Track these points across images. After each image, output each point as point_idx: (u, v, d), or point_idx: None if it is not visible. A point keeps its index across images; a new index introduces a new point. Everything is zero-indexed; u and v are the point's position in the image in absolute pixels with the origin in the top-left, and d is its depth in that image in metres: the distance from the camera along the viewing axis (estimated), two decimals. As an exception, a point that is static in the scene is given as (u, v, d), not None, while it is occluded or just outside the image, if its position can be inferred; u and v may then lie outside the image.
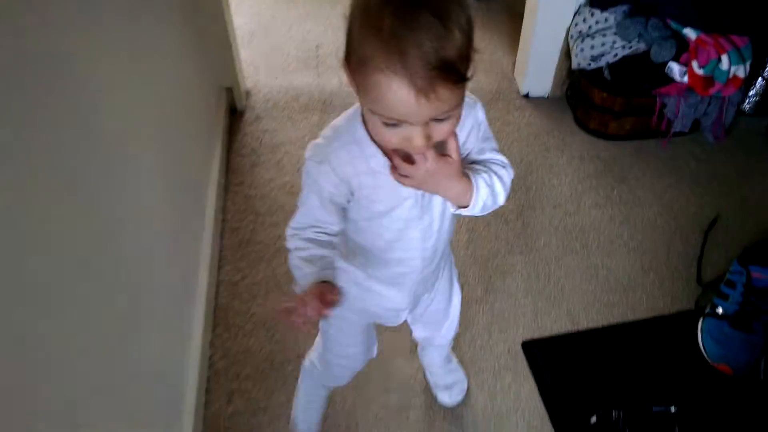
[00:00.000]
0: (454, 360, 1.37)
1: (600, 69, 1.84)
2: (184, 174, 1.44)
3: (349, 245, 0.94)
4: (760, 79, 1.91)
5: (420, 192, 0.83)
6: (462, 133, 0.83)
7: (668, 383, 1.33)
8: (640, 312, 1.48)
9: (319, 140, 0.82)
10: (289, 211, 0.88)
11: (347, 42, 0.70)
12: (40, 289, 0.72)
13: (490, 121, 0.87)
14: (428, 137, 0.71)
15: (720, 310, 1.40)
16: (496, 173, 0.84)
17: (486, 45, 2.30)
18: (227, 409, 1.31)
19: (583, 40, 1.83)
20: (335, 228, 0.87)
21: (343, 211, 0.87)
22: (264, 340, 1.42)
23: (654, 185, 1.78)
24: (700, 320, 1.42)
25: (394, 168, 0.77)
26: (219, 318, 1.46)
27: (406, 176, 0.77)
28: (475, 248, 1.60)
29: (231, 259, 1.57)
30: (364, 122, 0.77)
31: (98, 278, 0.89)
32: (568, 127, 1.97)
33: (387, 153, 0.79)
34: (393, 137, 0.72)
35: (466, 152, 0.85)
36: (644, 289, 1.52)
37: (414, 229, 0.88)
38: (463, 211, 0.83)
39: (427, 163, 0.74)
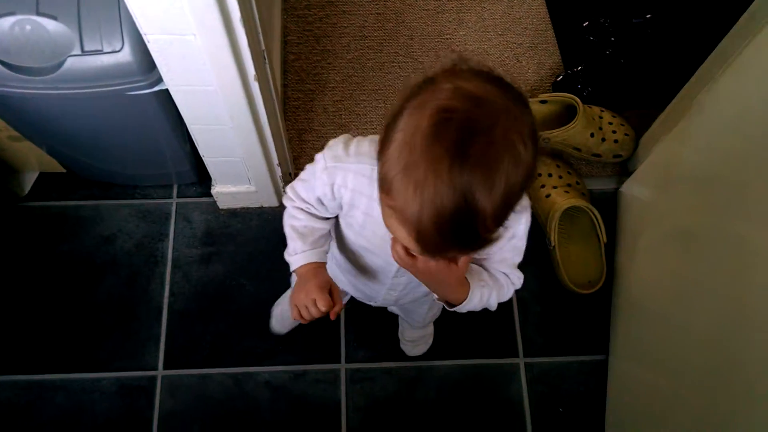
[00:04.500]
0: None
1: None
2: None
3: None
4: None
5: None
6: None
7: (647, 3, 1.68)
8: None
9: (341, 149, 0.75)
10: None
11: (383, 142, 0.59)
12: None
13: None
14: None
15: None
16: (499, 291, 0.80)
17: None
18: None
19: None
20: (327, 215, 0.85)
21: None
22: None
23: None
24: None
25: (394, 244, 0.69)
26: None
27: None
28: None
29: None
30: None
31: None
32: None
33: None
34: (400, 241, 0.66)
35: (485, 255, 0.79)
36: None
37: (385, 275, 0.88)
38: (447, 306, 0.80)
39: (430, 263, 0.69)
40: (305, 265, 0.84)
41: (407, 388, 1.38)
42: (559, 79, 1.59)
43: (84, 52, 1.00)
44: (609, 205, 1.50)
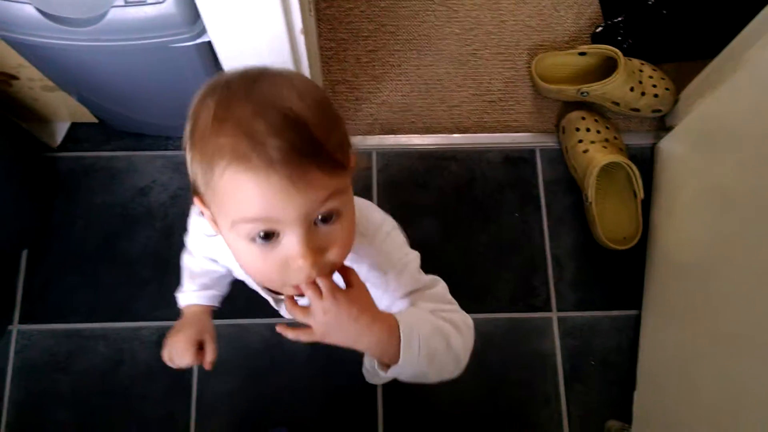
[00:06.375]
0: None
1: None
2: None
3: None
4: None
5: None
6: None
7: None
8: None
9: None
10: None
11: (191, 169, 0.57)
12: None
13: None
14: (315, 249, 0.55)
15: None
16: (452, 318, 0.66)
17: None
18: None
19: None
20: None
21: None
22: None
23: None
24: None
25: (285, 327, 0.62)
26: None
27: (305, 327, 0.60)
28: None
29: None
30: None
31: None
32: None
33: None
34: (267, 262, 0.56)
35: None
36: None
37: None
38: (389, 372, 0.61)
39: (326, 304, 0.57)
40: (190, 306, 0.84)
41: (441, 340, 1.40)
42: (598, 30, 1.55)
43: (127, 3, 0.97)
44: (645, 160, 1.49)
